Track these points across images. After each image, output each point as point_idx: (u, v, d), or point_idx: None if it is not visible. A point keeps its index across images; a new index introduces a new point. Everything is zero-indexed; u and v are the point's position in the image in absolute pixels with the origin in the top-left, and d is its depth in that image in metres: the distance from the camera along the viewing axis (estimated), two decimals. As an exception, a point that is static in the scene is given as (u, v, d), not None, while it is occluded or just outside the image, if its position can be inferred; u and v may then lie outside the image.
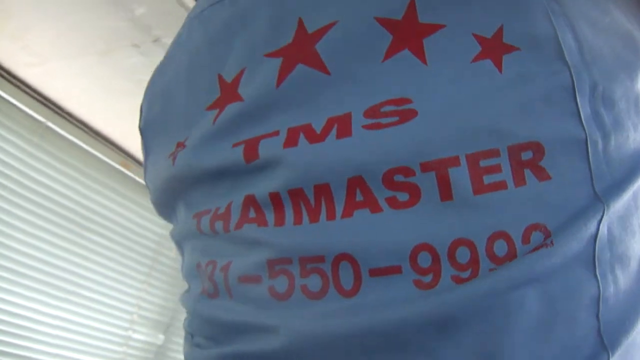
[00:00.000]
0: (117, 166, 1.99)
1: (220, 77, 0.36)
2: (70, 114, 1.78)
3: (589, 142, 0.29)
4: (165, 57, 0.44)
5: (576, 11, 0.30)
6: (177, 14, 1.00)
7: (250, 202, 0.32)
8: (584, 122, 0.29)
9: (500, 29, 0.30)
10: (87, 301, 1.87)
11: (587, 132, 0.29)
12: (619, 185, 0.29)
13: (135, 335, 2.01)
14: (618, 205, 0.29)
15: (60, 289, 1.79)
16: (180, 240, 0.40)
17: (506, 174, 0.28)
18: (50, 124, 1.80)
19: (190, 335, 0.36)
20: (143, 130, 0.45)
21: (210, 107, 0.36)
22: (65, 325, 1.80)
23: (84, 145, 1.90)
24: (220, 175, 0.34)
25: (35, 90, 1.71)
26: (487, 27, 0.30)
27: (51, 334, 1.75)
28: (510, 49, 0.29)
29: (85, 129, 1.87)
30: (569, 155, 0.28)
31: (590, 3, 0.32)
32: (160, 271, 2.11)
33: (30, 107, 1.74)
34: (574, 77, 0.29)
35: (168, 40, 1.12)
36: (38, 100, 1.75)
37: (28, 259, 1.72)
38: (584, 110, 0.29)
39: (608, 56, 0.31)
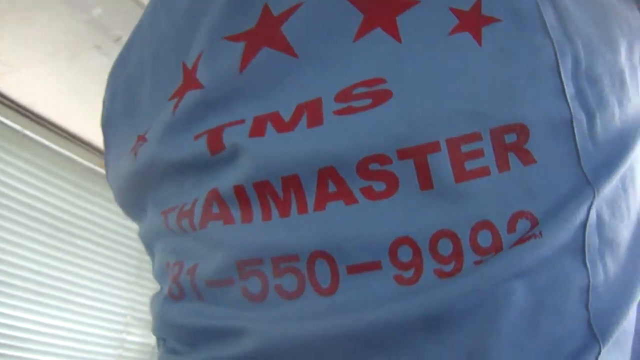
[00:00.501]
0: (97, 168, 1.97)
1: (184, 64, 0.34)
2: (45, 120, 1.76)
3: (574, 122, 0.27)
4: (127, 46, 0.41)
5: None
6: (132, 12, 0.99)
7: (214, 197, 0.30)
8: (569, 100, 0.27)
9: (479, 1, 0.27)
10: (79, 307, 1.86)
11: (572, 111, 0.27)
12: (607, 167, 0.27)
13: (130, 337, 2.02)
14: (608, 187, 0.27)
15: (50, 296, 1.78)
16: (149, 242, 0.38)
17: (489, 159, 0.26)
18: (26, 132, 1.79)
19: (162, 340, 0.34)
20: (104, 125, 0.42)
21: (172, 97, 0.33)
22: (59, 332, 1.80)
23: (62, 150, 1.89)
24: (186, 169, 0.32)
25: (8, 99, 1.69)
26: (464, 0, 0.28)
27: (45, 342, 1.75)
28: (489, 20, 0.27)
29: (62, 133, 1.85)
30: (555, 137, 0.26)
31: None
32: (148, 270, 2.09)
33: (4, 116, 1.72)
34: (557, 51, 0.27)
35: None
36: (12, 109, 1.73)
37: (15, 268, 1.71)
38: (569, 88, 0.27)
39: (590, 29, 0.29)
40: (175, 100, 0.33)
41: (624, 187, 0.30)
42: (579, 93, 0.27)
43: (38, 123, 1.80)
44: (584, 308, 0.26)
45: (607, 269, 0.27)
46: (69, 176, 1.91)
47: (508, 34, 0.27)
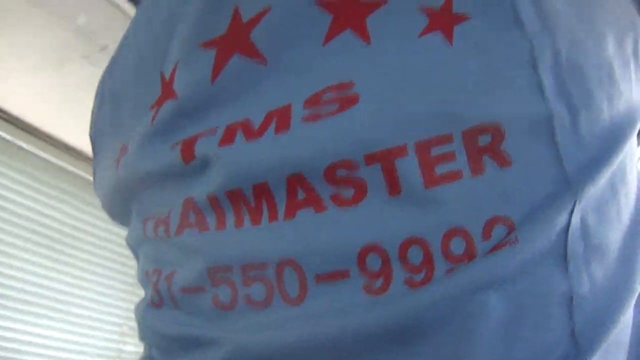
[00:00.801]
0: (90, 177, 1.97)
1: (162, 74, 0.34)
2: (37, 130, 1.76)
3: (555, 120, 0.25)
4: (114, 55, 0.42)
5: None
6: (117, 20, 0.98)
7: (190, 205, 0.30)
8: (548, 96, 0.25)
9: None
10: (75, 317, 1.85)
11: (552, 108, 0.25)
12: (593, 168, 0.26)
13: (127, 347, 2.00)
14: (593, 190, 0.26)
15: (45, 306, 1.77)
16: (134, 247, 0.38)
17: (461, 162, 0.24)
18: (18, 142, 1.78)
19: (148, 347, 0.35)
20: (92, 135, 0.42)
21: (152, 107, 0.34)
22: (54, 343, 1.78)
23: (54, 159, 1.88)
24: (163, 178, 0.32)
25: (-1, 109, 1.69)
26: None
27: (40, 354, 1.74)
28: (461, 18, 0.26)
29: (54, 143, 1.85)
30: (533, 137, 0.25)
31: None
32: (144, 280, 2.10)
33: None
34: (534, 45, 0.26)
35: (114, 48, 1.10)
36: (3, 119, 1.72)
37: (9, 279, 1.70)
38: (548, 83, 0.26)
39: (572, 21, 0.28)
40: (154, 110, 0.33)
41: (613, 189, 0.28)
42: (561, 88, 0.26)
43: (29, 133, 1.79)
44: (568, 318, 0.25)
45: (593, 276, 0.26)
46: (63, 186, 1.91)
47: (481, 31, 0.26)
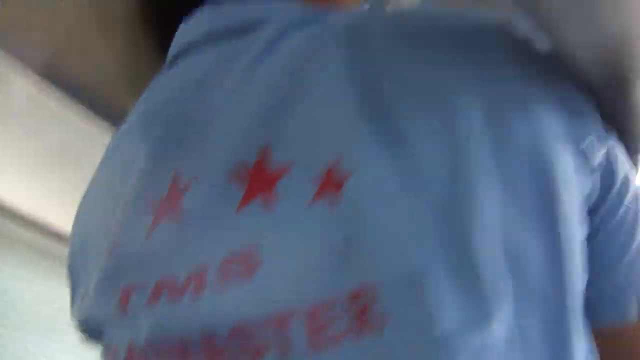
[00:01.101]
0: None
1: (113, 225, 0.38)
2: (28, 220, 1.77)
3: (426, 275, 0.24)
4: (86, 193, 0.46)
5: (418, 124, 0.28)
6: (89, 134, 1.00)
7: (132, 347, 0.33)
8: (419, 250, 0.25)
9: (338, 160, 0.27)
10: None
11: (423, 263, 0.25)
12: (478, 325, 0.24)
13: None
14: (482, 341, 0.24)
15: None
16: None
17: (342, 326, 0.25)
18: (12, 232, 1.79)
19: None
20: (68, 271, 0.47)
21: (105, 253, 0.37)
22: None
23: (51, 249, 1.89)
24: (112, 321, 0.36)
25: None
26: (326, 160, 0.28)
27: None
28: (344, 179, 0.27)
29: (50, 233, 1.86)
30: (406, 296, 0.25)
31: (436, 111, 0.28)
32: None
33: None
34: (415, 212, 0.26)
35: (88, 160, 1.11)
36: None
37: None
38: (421, 237, 0.25)
39: (435, 141, 0.29)
40: (106, 257, 0.37)
41: (512, 335, 0.26)
42: (439, 238, 0.25)
43: (23, 222, 1.81)
44: None
45: None
46: (58, 269, 1.91)
47: (360, 193, 0.27)
